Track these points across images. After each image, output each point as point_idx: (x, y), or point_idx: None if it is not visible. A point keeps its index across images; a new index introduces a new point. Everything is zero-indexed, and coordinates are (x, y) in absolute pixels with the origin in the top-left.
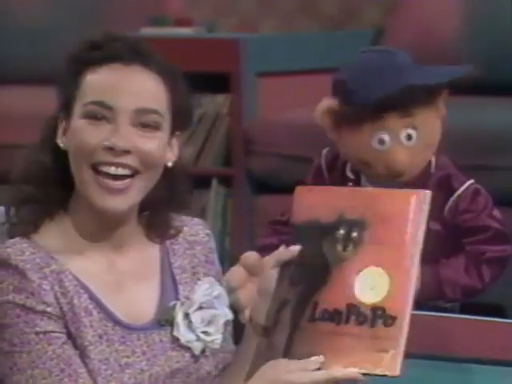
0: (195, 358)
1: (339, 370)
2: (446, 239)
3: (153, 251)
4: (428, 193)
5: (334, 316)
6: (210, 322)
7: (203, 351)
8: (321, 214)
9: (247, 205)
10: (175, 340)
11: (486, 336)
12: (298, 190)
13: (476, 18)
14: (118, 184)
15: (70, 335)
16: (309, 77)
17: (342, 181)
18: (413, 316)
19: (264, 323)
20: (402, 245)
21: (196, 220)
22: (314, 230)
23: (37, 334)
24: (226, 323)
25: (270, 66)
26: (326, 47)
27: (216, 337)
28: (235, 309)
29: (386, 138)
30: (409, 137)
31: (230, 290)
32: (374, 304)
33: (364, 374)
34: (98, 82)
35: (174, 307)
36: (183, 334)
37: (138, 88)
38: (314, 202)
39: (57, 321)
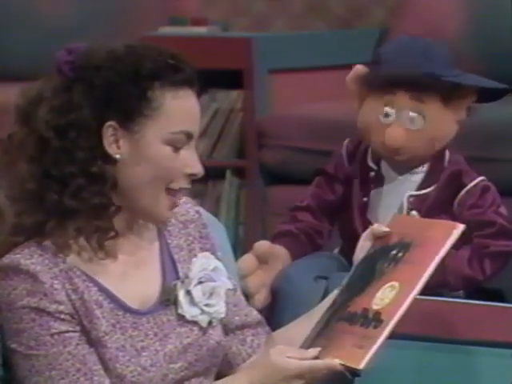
0: (203, 330)
1: (321, 361)
2: None
3: (151, 235)
4: (463, 227)
5: (351, 317)
6: (211, 294)
7: (210, 323)
8: (392, 238)
9: (260, 195)
10: (181, 317)
11: (487, 319)
12: (396, 218)
13: (479, 18)
14: (178, 201)
15: (84, 329)
16: (318, 73)
17: (364, 170)
18: (417, 300)
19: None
20: (426, 265)
21: (184, 199)
22: (381, 251)
23: (52, 335)
24: (228, 292)
25: (281, 64)
26: (333, 45)
27: (219, 307)
28: (246, 295)
29: (392, 113)
30: (412, 120)
31: (241, 277)
32: (377, 309)
33: (343, 366)
34: (184, 109)
35: (175, 286)
36: (187, 310)
37: (199, 113)
38: (393, 228)
39: (70, 320)
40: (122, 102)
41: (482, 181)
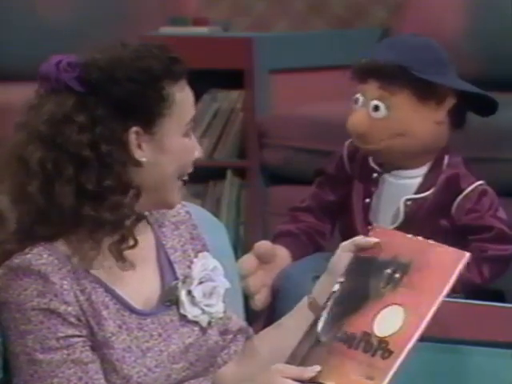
0: (203, 330)
1: None
2: (452, 235)
3: (148, 236)
4: (469, 255)
5: (349, 339)
6: (211, 294)
7: (210, 323)
8: (380, 252)
9: (260, 195)
10: (183, 317)
11: (487, 319)
12: (375, 229)
13: (479, 18)
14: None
15: (91, 331)
16: (319, 73)
17: (366, 172)
18: None
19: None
20: (435, 295)
21: None
22: (369, 264)
23: (58, 339)
24: (225, 292)
25: (282, 64)
26: (334, 45)
27: (218, 307)
28: (246, 295)
29: (360, 99)
30: (376, 107)
31: (242, 278)
32: (383, 337)
33: None
34: (188, 98)
35: (176, 286)
36: (189, 310)
37: None
38: (382, 241)
39: (77, 324)
40: (144, 108)
41: (479, 185)
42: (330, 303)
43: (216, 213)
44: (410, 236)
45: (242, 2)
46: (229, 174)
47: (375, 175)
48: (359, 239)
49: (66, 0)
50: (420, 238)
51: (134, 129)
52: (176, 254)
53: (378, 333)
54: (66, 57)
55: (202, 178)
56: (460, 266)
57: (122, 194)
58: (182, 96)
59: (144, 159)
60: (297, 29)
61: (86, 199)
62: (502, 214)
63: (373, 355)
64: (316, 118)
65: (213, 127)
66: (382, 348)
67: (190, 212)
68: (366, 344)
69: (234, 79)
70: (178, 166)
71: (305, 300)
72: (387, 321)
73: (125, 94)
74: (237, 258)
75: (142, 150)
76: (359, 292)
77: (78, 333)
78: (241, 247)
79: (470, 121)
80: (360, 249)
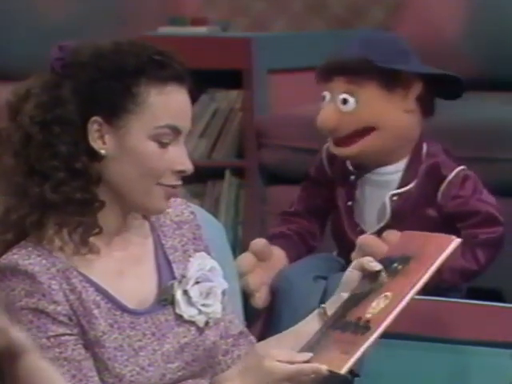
0: (200, 330)
1: (308, 365)
2: (442, 224)
3: (143, 231)
4: (459, 241)
5: (344, 325)
6: (207, 295)
7: (207, 323)
8: (395, 251)
9: (259, 195)
10: (179, 317)
11: (487, 319)
12: (405, 233)
13: (479, 18)
14: (175, 191)
15: (83, 329)
16: None
17: (345, 174)
18: (414, 300)
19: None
20: (417, 278)
21: (178, 200)
22: (384, 262)
23: (48, 338)
24: (223, 293)
25: (281, 64)
26: (333, 46)
27: (216, 307)
28: (245, 293)
29: (327, 96)
30: (344, 101)
31: (241, 275)
32: (369, 318)
33: (329, 371)
34: (169, 104)
35: (172, 286)
36: (185, 310)
37: (190, 110)
38: (399, 241)
39: (67, 323)
40: (106, 98)
41: (461, 170)
42: (340, 305)
43: (214, 213)
44: (421, 233)
45: (241, 2)
46: (227, 173)
47: (352, 177)
48: (366, 263)
49: (65, 0)
50: (425, 232)
51: (95, 118)
52: (176, 254)
53: (368, 315)
54: (71, 42)
55: (200, 178)
56: (447, 251)
57: (72, 179)
58: (160, 100)
59: (103, 151)
60: (295, 29)
61: (33, 177)
62: (486, 196)
63: (356, 334)
64: (314, 118)
65: (211, 127)
66: (365, 326)
67: (194, 213)
68: (355, 327)
69: (232, 79)
70: (142, 170)
71: (315, 312)
72: (377, 305)
73: (89, 81)
74: (235, 257)
75: (104, 142)
76: (366, 288)
77: (68, 331)
78: (239, 247)
79: (470, 120)
80: (365, 269)
